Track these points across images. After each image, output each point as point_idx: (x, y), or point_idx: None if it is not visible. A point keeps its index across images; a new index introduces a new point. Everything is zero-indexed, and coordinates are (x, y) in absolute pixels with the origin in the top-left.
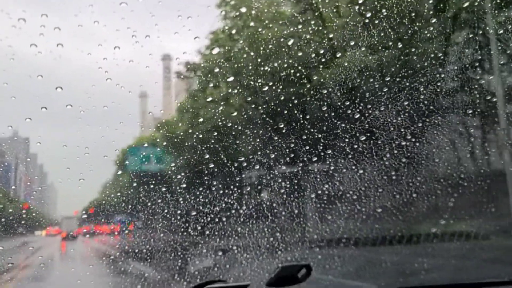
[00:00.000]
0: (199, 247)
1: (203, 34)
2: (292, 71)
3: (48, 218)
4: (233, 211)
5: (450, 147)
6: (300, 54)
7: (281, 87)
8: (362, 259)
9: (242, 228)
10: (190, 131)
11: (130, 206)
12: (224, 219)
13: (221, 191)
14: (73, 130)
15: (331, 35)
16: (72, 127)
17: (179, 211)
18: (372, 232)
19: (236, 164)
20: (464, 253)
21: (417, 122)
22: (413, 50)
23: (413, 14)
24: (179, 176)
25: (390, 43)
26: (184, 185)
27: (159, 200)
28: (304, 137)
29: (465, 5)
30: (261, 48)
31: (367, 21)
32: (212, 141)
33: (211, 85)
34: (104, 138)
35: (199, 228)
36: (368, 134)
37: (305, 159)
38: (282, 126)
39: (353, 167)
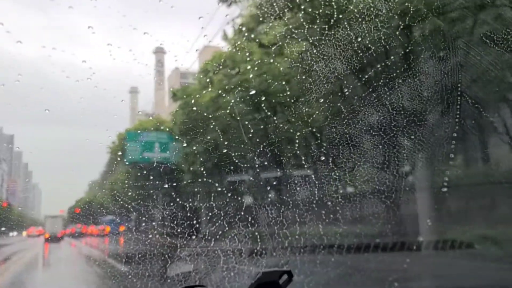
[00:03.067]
0: (178, 251)
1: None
2: None
3: (30, 217)
4: (215, 215)
5: (431, 155)
6: None
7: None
8: (346, 266)
9: (223, 233)
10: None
11: (121, 205)
12: (205, 222)
13: (212, 193)
14: (60, 129)
15: None
16: (58, 126)
17: (171, 212)
18: (356, 239)
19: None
20: (448, 261)
21: (400, 129)
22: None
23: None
24: (189, 168)
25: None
26: (190, 180)
27: (156, 198)
28: (287, 143)
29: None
30: None
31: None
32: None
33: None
34: (93, 136)
35: (179, 231)
36: (350, 141)
37: (290, 164)
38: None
39: (338, 174)
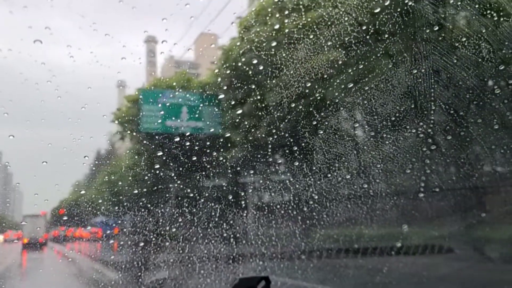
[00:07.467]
0: (153, 257)
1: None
2: None
3: (10, 220)
4: (190, 220)
5: (413, 159)
6: None
7: None
8: (324, 271)
9: (200, 239)
10: None
11: (121, 201)
12: (181, 228)
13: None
14: (43, 128)
15: None
16: (40, 125)
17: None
18: (334, 244)
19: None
20: (426, 266)
21: (375, 134)
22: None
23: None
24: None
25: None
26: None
27: (167, 190)
28: (262, 146)
29: None
30: None
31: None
32: None
33: None
34: (78, 134)
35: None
36: (328, 145)
37: (267, 168)
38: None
39: (316, 178)
